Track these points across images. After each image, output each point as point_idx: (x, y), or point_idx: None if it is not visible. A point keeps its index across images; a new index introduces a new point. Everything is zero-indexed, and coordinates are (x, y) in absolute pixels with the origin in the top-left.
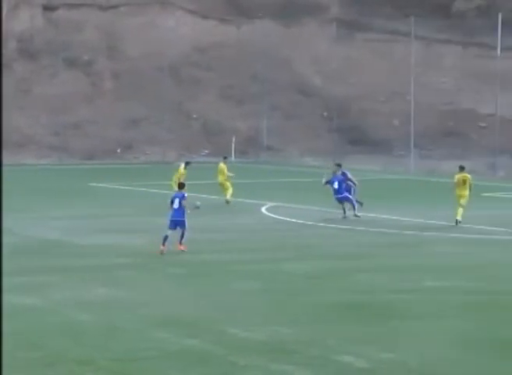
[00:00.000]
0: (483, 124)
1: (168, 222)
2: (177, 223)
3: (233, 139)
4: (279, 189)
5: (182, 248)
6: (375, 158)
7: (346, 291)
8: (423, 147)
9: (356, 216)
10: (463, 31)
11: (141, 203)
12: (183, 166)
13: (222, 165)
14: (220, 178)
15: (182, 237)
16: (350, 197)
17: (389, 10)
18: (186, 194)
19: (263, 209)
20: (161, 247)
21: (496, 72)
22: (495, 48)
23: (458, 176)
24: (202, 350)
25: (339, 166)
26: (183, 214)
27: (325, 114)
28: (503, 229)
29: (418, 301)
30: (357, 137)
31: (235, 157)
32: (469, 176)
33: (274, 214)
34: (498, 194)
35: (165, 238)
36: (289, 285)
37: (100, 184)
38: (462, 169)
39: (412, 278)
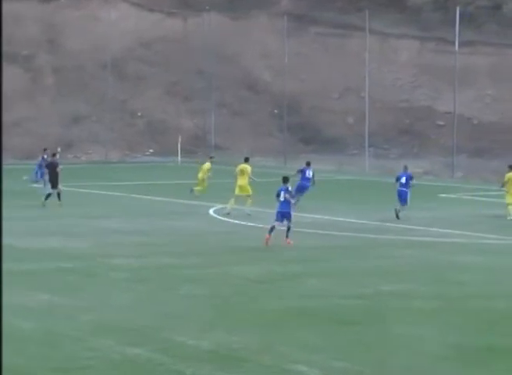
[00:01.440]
0: (441, 122)
1: (275, 213)
2: (283, 214)
3: (179, 138)
4: (228, 190)
5: (289, 241)
6: (328, 158)
7: (298, 296)
8: (378, 146)
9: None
10: (419, 25)
11: (82, 205)
12: (207, 163)
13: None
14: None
15: (288, 230)
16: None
17: (342, 4)
18: (290, 188)
19: (211, 211)
20: (267, 236)
21: (454, 68)
22: (452, 43)
23: (509, 175)
24: (147, 359)
25: (308, 164)
26: (289, 206)
27: (276, 111)
28: (458, 231)
29: (373, 307)
30: (309, 136)
31: (181, 156)
32: None
33: (222, 216)
34: (455, 195)
35: (272, 228)
36: (238, 290)
37: (39, 185)
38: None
39: (366, 282)
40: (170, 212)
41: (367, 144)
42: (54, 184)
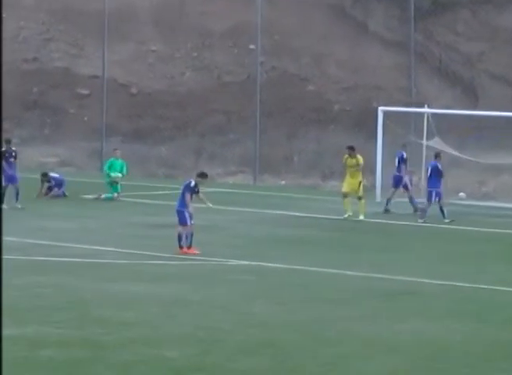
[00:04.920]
0: (84, 91)
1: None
2: (177, 213)
3: None
4: None
5: (193, 251)
6: None
7: None
8: None
9: None
10: None
11: None
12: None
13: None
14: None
15: (179, 238)
16: None
17: None
18: (192, 183)
19: None
20: (184, 250)
21: (101, 11)
22: None
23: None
24: None
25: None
26: (183, 204)
27: None
28: (112, 248)
29: None
30: None
31: None
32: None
33: None
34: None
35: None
36: None
37: None
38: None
39: None
40: None
41: None
42: None
